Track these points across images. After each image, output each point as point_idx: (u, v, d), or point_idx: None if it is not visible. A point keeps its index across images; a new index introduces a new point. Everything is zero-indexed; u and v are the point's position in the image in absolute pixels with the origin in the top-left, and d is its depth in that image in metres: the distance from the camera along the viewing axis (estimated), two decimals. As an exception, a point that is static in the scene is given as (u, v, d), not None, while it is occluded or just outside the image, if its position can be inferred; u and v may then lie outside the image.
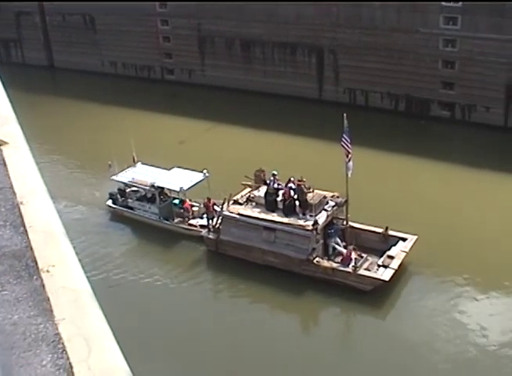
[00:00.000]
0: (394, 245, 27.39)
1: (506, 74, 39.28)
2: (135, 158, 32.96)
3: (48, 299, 5.23)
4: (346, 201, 27.77)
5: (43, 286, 5.40)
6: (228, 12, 48.43)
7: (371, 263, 27.00)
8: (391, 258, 26.66)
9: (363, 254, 27.36)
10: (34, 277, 5.52)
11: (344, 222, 28.41)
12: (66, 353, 4.68)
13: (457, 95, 41.44)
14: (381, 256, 27.03)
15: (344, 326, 26.71)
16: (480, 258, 28.08)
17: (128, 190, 32.97)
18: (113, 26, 55.27)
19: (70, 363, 4.58)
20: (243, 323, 25.61)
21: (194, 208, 31.65)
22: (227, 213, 28.68)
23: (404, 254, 26.94)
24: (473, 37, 39.54)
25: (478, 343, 23.63)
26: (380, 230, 28.29)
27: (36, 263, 5.70)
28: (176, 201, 32.14)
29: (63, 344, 4.77)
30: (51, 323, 4.97)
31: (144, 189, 32.09)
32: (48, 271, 5.57)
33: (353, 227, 28.44)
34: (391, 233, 28.06)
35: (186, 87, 52.09)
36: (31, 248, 5.93)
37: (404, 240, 27.71)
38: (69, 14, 58.05)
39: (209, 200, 29.66)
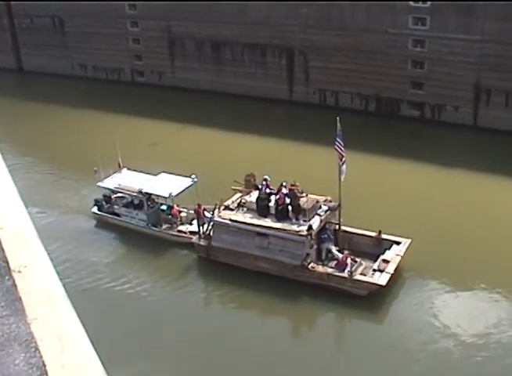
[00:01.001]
0: (388, 249, 25.54)
1: (474, 74, 38.04)
2: (121, 164, 30.38)
3: (21, 299, 5.13)
4: (339, 205, 25.86)
5: (15, 286, 5.28)
6: (197, 14, 46.10)
7: (365, 267, 25.23)
8: (386, 262, 24.86)
9: (357, 259, 25.49)
10: (6, 277, 5.39)
11: (337, 227, 26.44)
12: (39, 352, 4.58)
13: (426, 95, 40.08)
14: (375, 260, 25.23)
15: (339, 331, 24.94)
16: (469, 258, 26.56)
17: (113, 197, 30.43)
18: (82, 28, 52.19)
19: (43, 362, 4.48)
20: (236, 330, 23.63)
21: (182, 214, 29.26)
22: (218, 219, 26.47)
23: (399, 257, 25.14)
24: (441, 37, 38.25)
25: (477, 348, 22.00)
26: (373, 234, 26.39)
27: (8, 264, 5.57)
28: (163, 207, 29.69)
29: (35, 343, 4.66)
30: (23, 322, 4.85)
31: (131, 196, 29.59)
32: (20, 271, 5.45)
33: (346, 231, 26.53)
34: (384, 236, 26.17)
35: (156, 89, 49.71)
36: (3, 249, 5.80)
37: (398, 243, 25.85)
38: (37, 16, 54.80)
39: (199, 205, 27.31)
